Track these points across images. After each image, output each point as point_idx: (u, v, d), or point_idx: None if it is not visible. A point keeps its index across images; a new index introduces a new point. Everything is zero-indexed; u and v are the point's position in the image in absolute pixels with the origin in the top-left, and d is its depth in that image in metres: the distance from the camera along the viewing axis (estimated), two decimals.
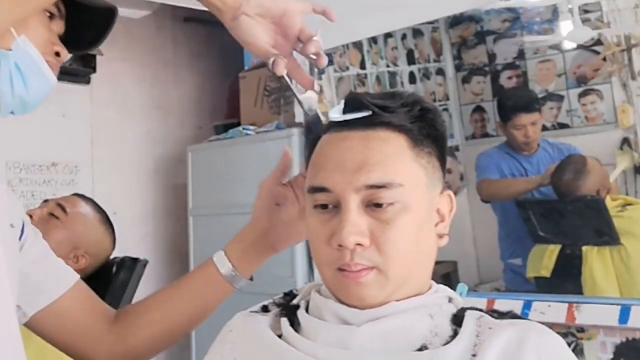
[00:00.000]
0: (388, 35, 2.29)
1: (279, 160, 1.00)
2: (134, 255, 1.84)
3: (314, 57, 0.85)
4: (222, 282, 0.97)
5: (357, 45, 2.30)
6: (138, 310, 1.00)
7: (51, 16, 0.90)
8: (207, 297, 0.98)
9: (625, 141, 1.79)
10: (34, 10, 0.79)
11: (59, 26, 0.92)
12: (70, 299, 0.96)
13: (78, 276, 1.00)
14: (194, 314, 0.99)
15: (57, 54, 0.90)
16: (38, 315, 0.94)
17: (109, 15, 0.97)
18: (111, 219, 1.67)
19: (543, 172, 1.95)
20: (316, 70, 0.87)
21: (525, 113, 2.00)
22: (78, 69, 2.80)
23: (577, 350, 1.62)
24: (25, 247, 0.94)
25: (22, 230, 0.94)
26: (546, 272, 1.87)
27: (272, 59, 0.85)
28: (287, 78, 0.86)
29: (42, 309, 0.94)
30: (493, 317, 0.74)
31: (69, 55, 0.95)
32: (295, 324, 0.78)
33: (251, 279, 0.99)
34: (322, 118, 0.85)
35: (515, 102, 2.06)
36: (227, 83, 3.22)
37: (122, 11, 0.98)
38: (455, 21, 2.18)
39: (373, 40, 2.31)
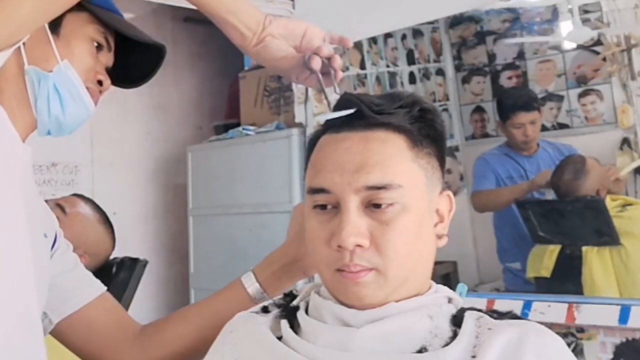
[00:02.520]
0: (388, 36, 2.29)
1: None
2: (134, 255, 1.84)
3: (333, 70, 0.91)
4: (249, 302, 0.97)
5: (357, 45, 2.29)
6: (163, 325, 1.01)
7: (99, 47, 0.94)
8: (233, 314, 0.99)
9: (625, 141, 1.79)
10: (62, 8, 0.81)
11: (107, 58, 0.96)
12: (96, 308, 0.98)
13: (105, 288, 1.02)
14: (219, 330, 1.00)
15: (100, 82, 0.94)
16: (64, 323, 0.96)
17: (157, 53, 0.99)
18: (111, 219, 1.67)
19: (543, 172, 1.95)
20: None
21: (524, 112, 2.00)
22: None
23: (577, 351, 1.62)
24: (56, 256, 0.97)
25: (55, 241, 0.97)
26: (546, 272, 1.87)
27: (307, 55, 0.88)
28: (319, 75, 0.90)
29: (67, 317, 0.96)
30: (492, 317, 0.74)
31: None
32: (295, 325, 0.78)
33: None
34: None
35: (514, 101, 2.06)
36: (227, 83, 3.22)
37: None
38: (455, 21, 2.18)
39: (373, 40, 2.30)
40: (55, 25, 0.89)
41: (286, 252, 0.98)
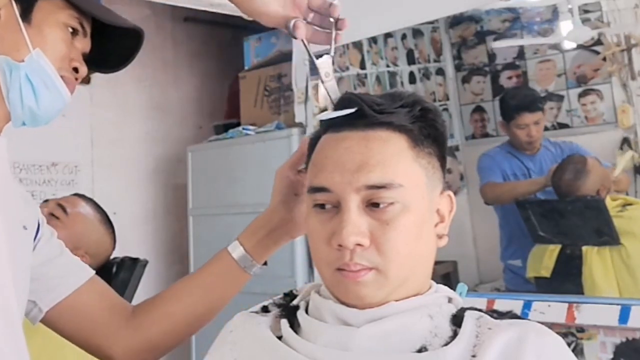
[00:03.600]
0: (388, 35, 2.29)
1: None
2: (134, 255, 1.84)
3: (332, 20, 0.85)
4: (237, 271, 0.97)
5: (357, 45, 2.29)
6: (154, 304, 1.00)
7: (74, 32, 0.91)
8: (223, 286, 0.99)
9: (625, 141, 1.79)
10: None
11: (83, 44, 0.93)
12: (86, 293, 0.97)
13: (93, 272, 1.00)
14: (210, 305, 0.99)
15: (76, 69, 0.91)
16: (54, 310, 0.94)
17: (135, 38, 0.98)
18: (111, 219, 1.67)
19: (546, 170, 1.95)
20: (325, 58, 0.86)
21: (528, 112, 1.99)
22: None
23: (577, 350, 1.62)
24: (39, 246, 0.95)
25: (38, 231, 0.95)
26: (546, 272, 1.87)
27: (292, 22, 0.83)
28: (305, 43, 0.85)
29: (57, 304, 0.94)
30: (493, 317, 0.74)
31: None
32: (295, 325, 0.78)
33: (265, 263, 0.99)
34: (336, 88, 0.84)
35: (518, 101, 2.05)
36: (227, 83, 3.22)
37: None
38: (455, 21, 2.18)
39: (373, 40, 2.30)
40: (26, 12, 0.86)
41: (271, 218, 0.97)
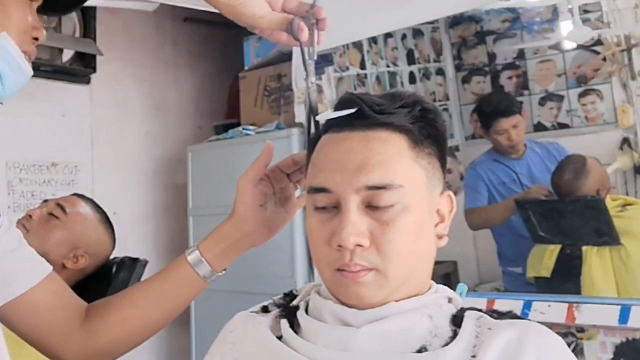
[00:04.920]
0: (388, 35, 2.29)
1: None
2: (134, 255, 1.84)
3: (313, 22, 0.85)
4: (196, 279, 0.95)
5: (357, 45, 2.30)
6: (110, 309, 0.96)
7: None
8: (181, 294, 0.96)
9: (625, 141, 1.79)
10: None
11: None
12: (42, 291, 0.92)
13: (51, 268, 0.95)
14: (167, 312, 0.97)
15: (36, 38, 0.89)
16: (7, 307, 0.90)
17: None
18: (111, 219, 1.67)
19: (534, 172, 1.96)
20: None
21: (505, 117, 2.00)
22: (78, 69, 2.80)
23: (577, 350, 1.62)
24: None
25: None
26: (546, 272, 1.87)
27: (296, 23, 0.84)
28: (302, 45, 0.86)
29: (11, 301, 0.90)
30: (492, 317, 0.74)
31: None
32: (295, 325, 0.78)
33: (224, 269, 0.97)
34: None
35: (493, 107, 2.06)
36: (227, 83, 3.22)
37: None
38: (455, 21, 2.18)
39: (373, 40, 2.30)
40: None
41: (236, 230, 0.94)
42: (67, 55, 2.77)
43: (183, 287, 0.96)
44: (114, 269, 1.76)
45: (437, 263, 0.79)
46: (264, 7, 0.85)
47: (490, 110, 2.05)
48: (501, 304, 1.71)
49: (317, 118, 0.77)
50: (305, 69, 0.86)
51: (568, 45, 1.94)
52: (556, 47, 1.97)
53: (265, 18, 0.85)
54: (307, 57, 0.87)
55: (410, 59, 2.30)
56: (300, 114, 2.41)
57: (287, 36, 0.87)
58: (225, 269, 0.97)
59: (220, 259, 0.95)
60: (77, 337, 0.94)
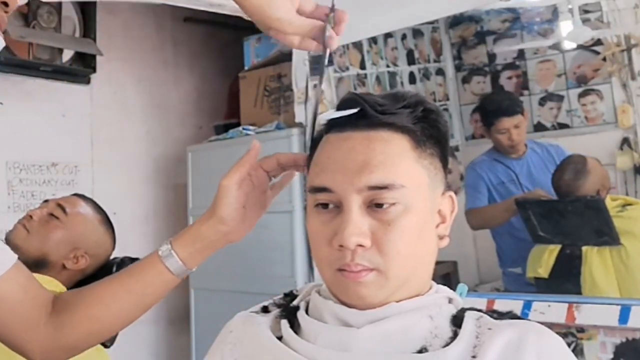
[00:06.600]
0: (388, 35, 2.29)
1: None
2: (134, 255, 1.84)
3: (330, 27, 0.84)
4: (168, 276, 0.92)
5: (357, 45, 2.29)
6: (78, 305, 0.93)
7: None
8: (152, 292, 0.94)
9: (625, 141, 1.79)
10: None
11: None
12: (7, 283, 0.88)
13: (16, 257, 0.91)
14: (136, 309, 0.95)
15: (5, 3, 0.86)
16: None
17: None
18: (111, 219, 1.67)
19: (534, 173, 1.96)
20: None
21: (507, 117, 2.00)
22: (78, 69, 2.80)
23: (577, 350, 1.62)
24: None
25: None
26: (546, 272, 1.87)
27: (327, 33, 0.82)
28: (326, 52, 0.84)
29: None
30: (493, 317, 0.74)
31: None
32: (295, 325, 0.78)
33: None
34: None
35: (496, 106, 2.06)
36: (227, 83, 3.22)
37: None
38: (455, 21, 2.18)
39: (373, 40, 2.30)
40: None
41: (217, 229, 0.90)
42: (67, 55, 2.77)
43: (155, 285, 0.93)
44: (114, 269, 1.76)
45: (437, 263, 0.79)
46: (291, 11, 0.82)
47: (493, 109, 2.05)
48: (501, 304, 1.71)
49: (319, 117, 0.77)
50: (321, 75, 0.84)
51: (568, 45, 1.94)
52: (556, 47, 1.97)
53: (294, 24, 0.82)
54: (326, 62, 0.84)
55: (410, 59, 2.30)
56: (300, 114, 2.41)
57: (317, 44, 0.84)
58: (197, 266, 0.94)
59: (194, 257, 0.92)
60: (43, 330, 0.91)
